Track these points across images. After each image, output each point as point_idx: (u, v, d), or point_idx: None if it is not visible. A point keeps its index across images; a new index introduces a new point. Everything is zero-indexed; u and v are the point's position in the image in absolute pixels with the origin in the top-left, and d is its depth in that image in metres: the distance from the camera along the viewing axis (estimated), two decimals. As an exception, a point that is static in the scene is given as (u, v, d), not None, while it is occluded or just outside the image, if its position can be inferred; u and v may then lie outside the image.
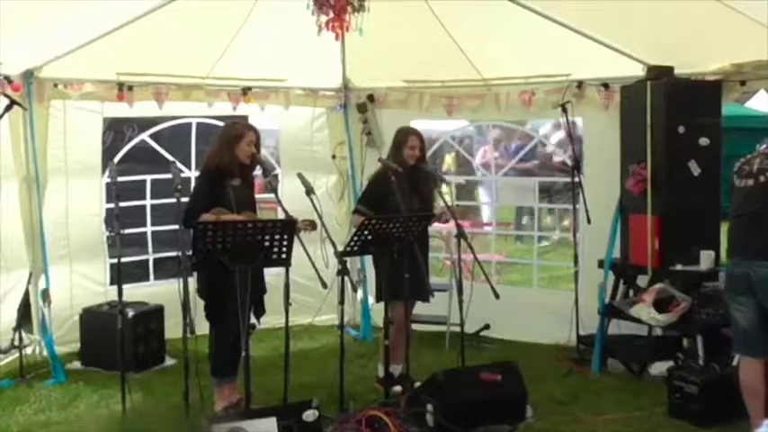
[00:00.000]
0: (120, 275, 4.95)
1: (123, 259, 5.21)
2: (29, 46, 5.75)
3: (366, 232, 5.08)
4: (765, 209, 4.59)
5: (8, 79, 5.92)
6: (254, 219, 5.12)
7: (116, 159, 6.71)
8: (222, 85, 7.04)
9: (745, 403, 4.71)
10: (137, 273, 7.07)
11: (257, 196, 5.63)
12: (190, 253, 4.58)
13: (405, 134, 5.79)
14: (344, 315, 5.25)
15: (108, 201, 6.53)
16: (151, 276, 7.20)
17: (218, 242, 4.47)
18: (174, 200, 4.88)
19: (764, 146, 4.78)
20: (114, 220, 4.79)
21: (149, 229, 7.20)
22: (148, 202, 7.16)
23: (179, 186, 4.72)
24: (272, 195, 5.46)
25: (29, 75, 6.17)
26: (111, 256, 6.71)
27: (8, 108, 5.53)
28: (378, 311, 6.30)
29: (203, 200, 5.05)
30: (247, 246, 4.53)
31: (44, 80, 6.28)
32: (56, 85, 6.34)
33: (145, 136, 7.16)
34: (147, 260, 7.20)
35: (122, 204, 5.54)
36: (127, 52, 6.26)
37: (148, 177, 7.10)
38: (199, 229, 4.50)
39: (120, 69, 6.51)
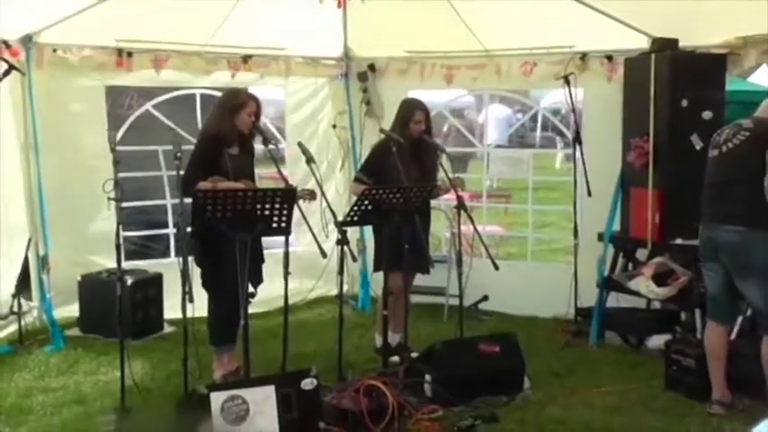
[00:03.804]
0: (119, 239, 4.89)
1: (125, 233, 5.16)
2: (28, 11, 5.68)
3: (366, 202, 5.06)
4: (724, 177, 4.69)
5: (6, 44, 5.86)
6: (252, 187, 5.09)
7: (123, 129, 6.67)
8: (222, 52, 6.98)
9: (708, 365, 4.87)
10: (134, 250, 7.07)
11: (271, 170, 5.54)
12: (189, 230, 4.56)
13: (412, 109, 5.72)
14: (343, 285, 5.26)
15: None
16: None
17: (217, 210, 4.45)
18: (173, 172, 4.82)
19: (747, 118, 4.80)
20: (114, 187, 4.74)
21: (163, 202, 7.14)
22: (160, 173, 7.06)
23: (178, 155, 4.67)
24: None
25: (27, 39, 6.11)
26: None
27: (6, 73, 5.48)
28: (377, 282, 6.30)
29: (201, 167, 5.01)
30: (247, 214, 4.52)
31: (43, 45, 6.23)
32: (55, 51, 6.28)
33: (149, 106, 7.04)
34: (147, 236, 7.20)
35: (128, 175, 5.52)
36: (126, 19, 6.19)
37: (160, 148, 6.88)
38: (198, 197, 4.48)
39: (120, 36, 6.44)
